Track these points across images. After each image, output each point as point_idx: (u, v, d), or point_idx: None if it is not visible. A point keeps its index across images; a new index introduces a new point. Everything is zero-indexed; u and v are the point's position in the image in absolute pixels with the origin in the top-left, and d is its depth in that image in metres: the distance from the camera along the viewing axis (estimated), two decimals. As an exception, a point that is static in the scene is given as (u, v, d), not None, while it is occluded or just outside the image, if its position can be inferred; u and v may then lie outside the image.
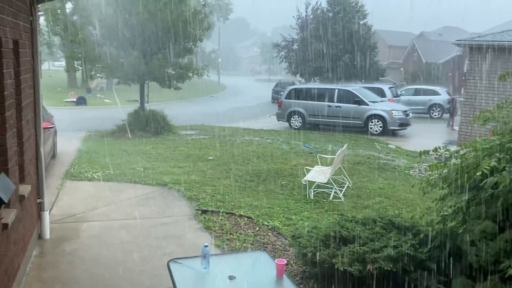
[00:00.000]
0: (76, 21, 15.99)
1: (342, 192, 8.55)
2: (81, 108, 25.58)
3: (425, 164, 11.41)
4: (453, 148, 5.47)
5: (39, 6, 6.23)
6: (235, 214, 7.19)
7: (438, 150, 4.89)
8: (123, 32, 14.79)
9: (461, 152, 4.58)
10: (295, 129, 18.56)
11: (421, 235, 4.50)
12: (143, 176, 9.49)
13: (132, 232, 6.37)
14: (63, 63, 35.03)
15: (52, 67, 65.86)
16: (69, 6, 25.36)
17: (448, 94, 25.79)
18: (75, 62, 16.13)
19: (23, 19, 5.29)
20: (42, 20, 20.64)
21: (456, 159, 4.67)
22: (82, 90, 34.79)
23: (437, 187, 4.70)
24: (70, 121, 19.08)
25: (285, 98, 19.31)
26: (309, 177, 8.49)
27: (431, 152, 4.94)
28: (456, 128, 16.91)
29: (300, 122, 18.72)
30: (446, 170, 4.73)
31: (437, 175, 4.86)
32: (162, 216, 7.13)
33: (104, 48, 15.08)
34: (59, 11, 14.88)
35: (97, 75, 16.05)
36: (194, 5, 15.59)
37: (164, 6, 14.52)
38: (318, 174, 8.61)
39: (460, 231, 4.18)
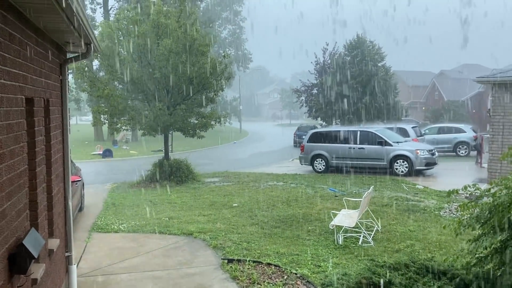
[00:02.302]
0: (102, 77, 16.68)
1: (371, 236, 8.31)
2: (108, 160, 26.14)
3: (455, 204, 11.06)
4: (483, 186, 5.31)
5: (68, 65, 6.57)
6: (262, 263, 7.04)
7: (468, 188, 4.77)
8: (148, 86, 15.32)
9: (492, 191, 4.44)
10: (319, 172, 18.42)
11: (457, 279, 4.30)
12: (168, 226, 9.48)
13: (159, 284, 6.29)
14: (90, 117, 36.27)
15: (79, 122, 68.21)
16: (95, 63, 26.57)
17: (474, 131, 25.34)
18: (102, 116, 16.66)
19: (53, 78, 5.56)
20: (70, 77, 21.63)
21: (488, 198, 4.54)
22: (108, 143, 35.71)
23: (469, 228, 4.54)
24: (97, 173, 19.47)
25: (308, 142, 19.31)
26: (336, 221, 8.33)
27: (460, 191, 4.81)
28: (485, 165, 16.48)
29: (323, 165, 18.60)
30: (477, 210, 4.58)
31: (468, 215, 4.71)
32: (188, 267, 7.05)
33: (129, 101, 15.58)
34: (86, 68, 15.56)
35: (123, 127, 16.50)
36: (215, 57, 16.10)
37: (186, 59, 15.04)
38: (346, 218, 8.44)
39: (499, 274, 3.98)
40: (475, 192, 4.73)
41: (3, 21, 3.41)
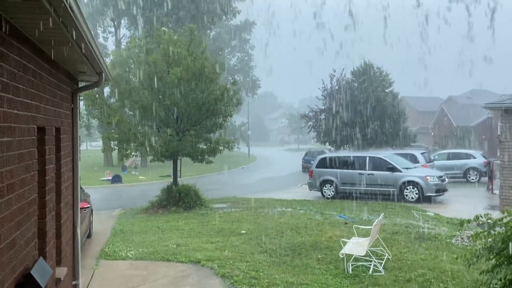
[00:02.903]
0: (113, 104, 16.92)
1: (382, 264, 8.16)
2: (116, 186, 26.21)
3: (467, 232, 10.86)
4: (495, 213, 5.22)
5: (80, 94, 6.68)
6: (271, 292, 6.93)
7: (480, 218, 4.69)
8: (157, 112, 15.49)
9: (505, 220, 4.37)
10: (328, 198, 18.27)
11: (472, 312, 4.19)
12: (176, 253, 9.40)
13: (166, 314, 6.20)
14: (100, 143, 36.60)
15: (89, 147, 68.81)
16: (106, 90, 27.01)
17: (484, 157, 25.09)
18: (112, 142, 16.82)
19: (65, 107, 5.66)
20: (81, 103, 21.94)
21: (501, 228, 4.46)
22: (117, 168, 35.88)
23: (483, 258, 4.45)
24: (105, 199, 19.50)
25: (316, 167, 19.24)
26: (346, 250, 8.21)
27: (472, 221, 4.74)
28: (496, 192, 16.24)
29: (332, 191, 18.46)
30: (490, 240, 4.50)
31: (481, 245, 4.62)
32: (196, 296, 6.95)
33: (139, 127, 15.75)
34: (97, 95, 15.81)
35: (132, 153, 16.60)
36: (224, 84, 16.29)
37: (196, 86, 15.24)
38: (356, 246, 8.31)
39: (515, 307, 3.87)
40: (488, 221, 4.66)
41: (19, 53, 3.50)
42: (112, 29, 41.84)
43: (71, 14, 3.24)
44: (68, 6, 3.06)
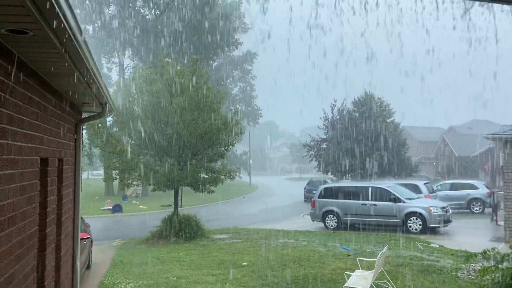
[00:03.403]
0: (115, 133, 17.00)
1: (387, 299, 7.97)
2: (117, 216, 25.99)
3: (473, 265, 10.66)
4: (501, 246, 5.13)
5: (83, 124, 6.71)
6: (273, 327, 6.73)
7: (488, 252, 4.61)
8: (160, 142, 15.53)
9: (513, 255, 4.29)
10: (330, 229, 18.05)
11: None
12: (176, 286, 9.22)
13: None
14: (101, 172, 36.56)
15: (91, 176, 68.63)
16: (109, 119, 27.19)
17: (487, 187, 24.93)
18: (113, 171, 16.79)
19: (68, 138, 5.67)
20: (84, 132, 22.02)
21: (508, 263, 4.37)
22: (118, 198, 35.67)
23: (492, 294, 4.35)
24: (106, 229, 19.30)
25: (318, 198, 19.09)
26: (350, 283, 8.04)
27: (479, 256, 4.65)
28: (501, 223, 16.04)
29: (335, 222, 18.25)
30: (499, 275, 4.40)
31: (489, 280, 4.53)
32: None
33: (140, 157, 15.75)
34: (100, 124, 15.89)
35: (133, 183, 16.54)
36: (226, 114, 16.40)
37: (198, 116, 15.33)
38: (360, 279, 8.15)
39: None
40: (496, 255, 4.58)
41: (25, 86, 3.53)
42: (116, 60, 42.50)
43: (78, 48, 3.28)
44: (75, 41, 3.11)
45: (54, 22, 2.65)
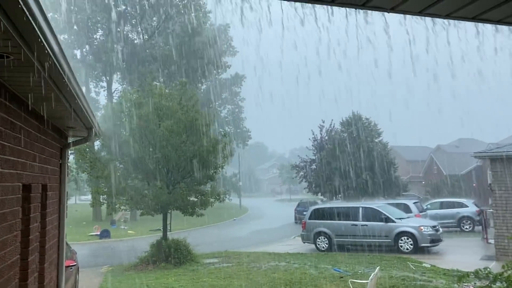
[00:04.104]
0: (103, 157, 16.82)
1: (380, 322, 7.83)
2: (105, 241, 25.50)
3: (465, 285, 10.58)
4: (492, 264, 5.08)
5: (69, 149, 6.61)
6: None
7: (480, 272, 4.57)
8: (148, 165, 15.39)
9: (506, 274, 4.25)
10: (322, 251, 17.88)
11: None
12: (165, 314, 8.97)
13: None
14: (89, 197, 36.12)
15: (78, 201, 67.60)
16: (97, 143, 26.97)
17: (476, 205, 25.04)
18: (101, 196, 16.55)
19: (53, 163, 5.56)
20: (71, 157, 21.80)
21: (501, 283, 4.33)
22: (106, 223, 35.08)
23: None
24: (93, 256, 18.88)
25: (309, 219, 18.97)
26: (342, 306, 7.89)
27: (471, 275, 4.60)
28: (492, 241, 16.05)
29: (326, 243, 18.10)
30: (492, 295, 4.36)
31: (483, 301, 4.47)
32: None
33: (129, 181, 15.56)
34: (87, 149, 15.72)
35: (122, 207, 16.30)
36: (215, 136, 16.37)
37: (187, 139, 15.27)
38: (352, 302, 8.01)
39: None
40: (488, 275, 4.53)
41: (6, 111, 3.46)
42: (105, 84, 42.47)
43: (62, 73, 3.24)
44: (58, 66, 3.07)
45: (36, 46, 2.62)
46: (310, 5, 2.20)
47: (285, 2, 2.19)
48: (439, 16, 2.23)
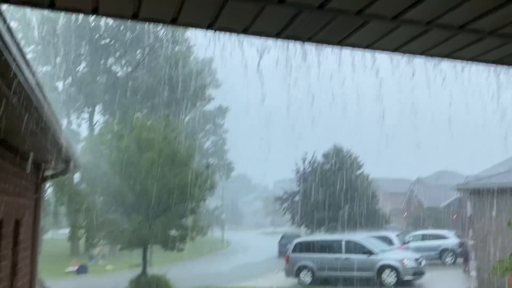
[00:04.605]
0: (82, 190, 16.48)
1: None
2: (82, 277, 24.64)
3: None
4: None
5: (45, 182, 6.45)
6: None
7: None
8: (128, 198, 15.12)
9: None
10: (305, 285, 17.61)
11: None
12: None
13: None
14: (67, 230, 35.17)
15: (55, 236, 65.60)
16: (77, 175, 26.50)
17: (457, 237, 25.15)
18: (79, 230, 16.12)
19: (28, 197, 5.41)
20: (50, 190, 21.28)
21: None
22: (84, 258, 33.99)
23: None
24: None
25: (292, 252, 18.76)
26: None
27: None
28: (473, 273, 16.05)
29: (310, 277, 17.85)
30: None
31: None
32: None
33: (108, 214, 15.22)
34: (66, 181, 15.40)
35: (100, 242, 15.87)
36: (198, 168, 16.26)
37: (169, 171, 15.13)
38: None
39: None
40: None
41: (-21, 144, 3.37)
42: (86, 115, 42.16)
43: (38, 106, 3.19)
44: (35, 99, 3.02)
45: (11, 78, 2.57)
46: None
47: (263, 38, 2.22)
48: (414, 53, 2.29)
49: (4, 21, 2.10)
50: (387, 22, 1.92)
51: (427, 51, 2.23)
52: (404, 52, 2.25)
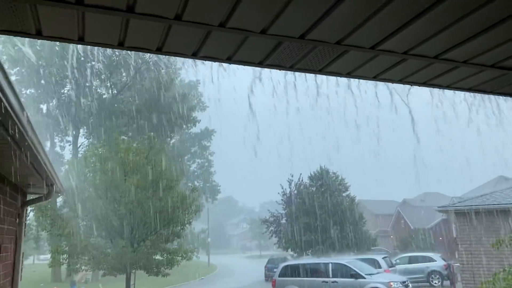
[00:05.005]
0: (65, 214, 16.19)
1: None
2: (63, 304, 23.94)
3: None
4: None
5: (28, 207, 6.35)
6: None
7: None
8: (112, 222, 14.90)
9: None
10: (292, 310, 17.36)
11: None
12: None
13: None
14: (48, 256, 34.37)
15: (36, 261, 63.91)
16: (59, 199, 26.04)
17: (444, 259, 25.24)
18: (61, 256, 15.76)
19: (8, 222, 5.30)
20: (31, 214, 20.84)
21: None
22: (66, 284, 33.13)
23: None
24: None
25: (279, 276, 18.55)
26: None
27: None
28: (460, 296, 16.06)
29: (297, 302, 17.62)
30: None
31: None
32: None
33: (91, 239, 14.95)
34: (49, 206, 15.13)
35: (83, 267, 15.52)
36: (183, 190, 16.16)
37: (153, 194, 14.99)
38: None
39: None
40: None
41: (-40, 169, 3.33)
42: (70, 138, 41.76)
43: (22, 129, 3.17)
44: (17, 121, 3.01)
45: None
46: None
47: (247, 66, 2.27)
48: (393, 81, 2.37)
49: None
50: (366, 51, 2.00)
51: (405, 79, 2.31)
52: (384, 79, 2.32)
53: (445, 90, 2.47)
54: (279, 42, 1.91)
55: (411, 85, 2.39)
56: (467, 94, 2.51)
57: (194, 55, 2.02)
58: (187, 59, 2.10)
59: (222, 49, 1.99)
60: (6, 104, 2.70)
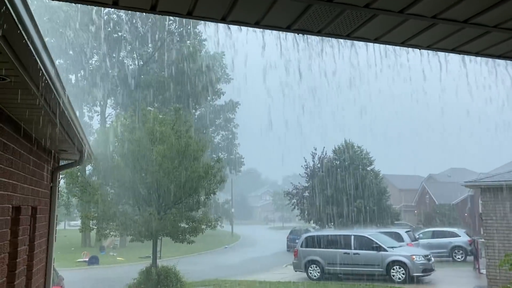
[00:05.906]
0: (94, 182, 16.72)
1: None
2: (93, 268, 25.04)
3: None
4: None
5: (60, 172, 6.61)
6: None
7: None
8: (139, 190, 15.30)
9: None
10: (313, 279, 17.68)
11: None
12: None
13: None
14: (79, 222, 35.66)
15: (68, 227, 66.53)
16: (88, 167, 26.81)
17: (468, 235, 25.03)
18: (90, 221, 16.35)
19: (44, 186, 5.56)
20: (62, 181, 21.58)
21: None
22: (95, 249, 34.53)
23: None
24: (81, 283, 18.51)
25: (301, 247, 18.84)
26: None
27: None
28: (484, 271, 15.98)
29: (318, 272, 17.92)
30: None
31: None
32: None
33: (119, 206, 15.44)
34: (78, 173, 15.63)
35: (111, 233, 16.11)
36: (208, 161, 16.38)
37: (179, 164, 15.26)
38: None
39: None
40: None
41: (0, 132, 3.50)
42: (98, 108, 42.59)
43: (57, 97, 3.30)
44: (54, 89, 3.13)
45: (32, 69, 2.68)
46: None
47: (276, 31, 2.29)
48: (421, 47, 2.35)
49: (29, 11, 2.19)
50: (394, 15, 1.99)
51: (433, 45, 2.29)
52: (412, 45, 2.31)
53: (476, 57, 2.43)
54: (308, 5, 1.92)
55: (440, 51, 2.37)
56: (498, 65, 2.46)
57: (224, 20, 2.05)
58: (216, 26, 2.13)
59: (251, 13, 2.01)
60: (44, 73, 2.81)
